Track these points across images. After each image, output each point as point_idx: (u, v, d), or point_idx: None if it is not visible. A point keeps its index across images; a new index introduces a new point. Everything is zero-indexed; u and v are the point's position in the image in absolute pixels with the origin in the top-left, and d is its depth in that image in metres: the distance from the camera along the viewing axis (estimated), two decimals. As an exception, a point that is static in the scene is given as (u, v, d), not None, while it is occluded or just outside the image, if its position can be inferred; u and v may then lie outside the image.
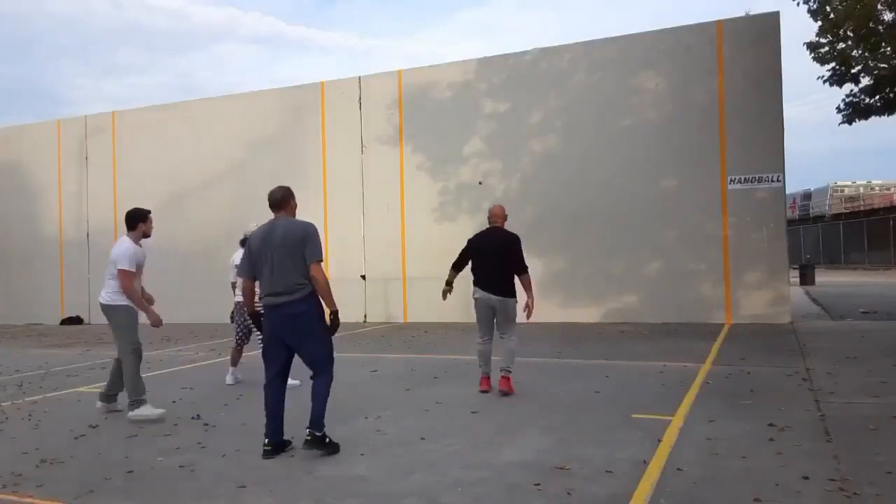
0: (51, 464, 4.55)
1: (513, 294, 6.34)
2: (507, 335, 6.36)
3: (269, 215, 4.75)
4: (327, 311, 4.65)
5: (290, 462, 4.43)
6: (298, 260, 4.50)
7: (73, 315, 16.71)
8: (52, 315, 16.92)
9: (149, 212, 6.23)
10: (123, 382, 5.90)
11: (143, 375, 6.24)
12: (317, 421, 4.55)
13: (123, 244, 5.92)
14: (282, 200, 4.71)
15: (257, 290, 4.76)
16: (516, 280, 6.39)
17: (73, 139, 17.21)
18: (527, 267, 6.43)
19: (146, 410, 5.77)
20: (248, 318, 6.44)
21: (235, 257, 7.46)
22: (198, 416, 5.80)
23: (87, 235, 16.89)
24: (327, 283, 4.59)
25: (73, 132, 17.19)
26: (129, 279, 5.82)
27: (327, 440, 4.57)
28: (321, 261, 4.56)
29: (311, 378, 4.73)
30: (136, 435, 5.26)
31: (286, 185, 4.85)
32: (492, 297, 6.28)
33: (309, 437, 4.50)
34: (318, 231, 4.68)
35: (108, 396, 6.14)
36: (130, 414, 5.77)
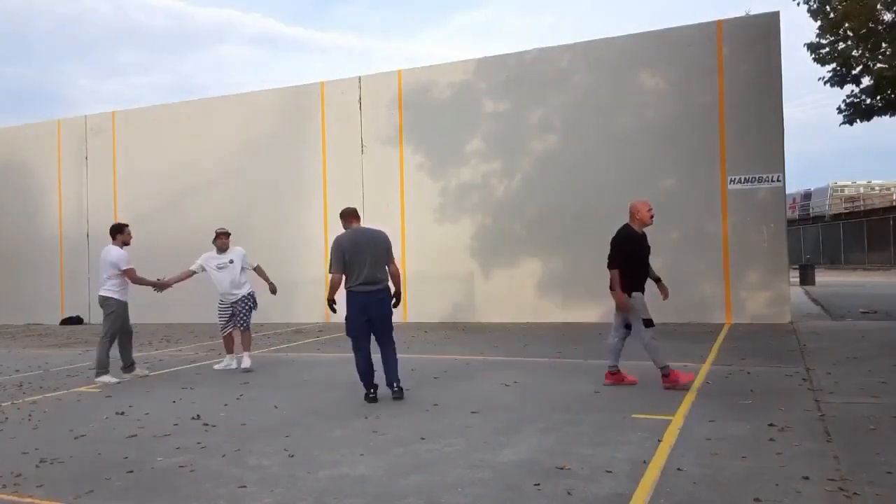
0: (51, 464, 4.55)
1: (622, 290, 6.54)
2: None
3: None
4: (393, 290, 6.37)
5: (290, 462, 4.43)
6: (382, 259, 6.23)
7: (73, 315, 16.70)
8: (52, 315, 16.92)
9: (126, 225, 8.05)
10: (129, 354, 7.97)
11: (146, 374, 8.19)
12: (398, 377, 6.30)
13: (114, 250, 7.77)
14: (356, 212, 6.49)
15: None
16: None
17: (73, 139, 17.20)
18: (616, 266, 6.62)
19: (108, 378, 7.66)
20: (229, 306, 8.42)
21: (202, 257, 8.63)
22: (198, 416, 5.80)
23: (87, 235, 16.88)
24: (399, 274, 6.46)
25: (73, 132, 17.18)
26: (133, 274, 7.75)
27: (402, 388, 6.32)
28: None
29: (382, 347, 6.34)
30: (135, 435, 5.26)
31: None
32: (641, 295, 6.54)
33: (397, 390, 6.23)
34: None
35: (127, 367, 7.96)
36: (97, 378, 7.71)
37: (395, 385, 6.26)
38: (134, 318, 8.20)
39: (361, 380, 6.28)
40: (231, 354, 8.54)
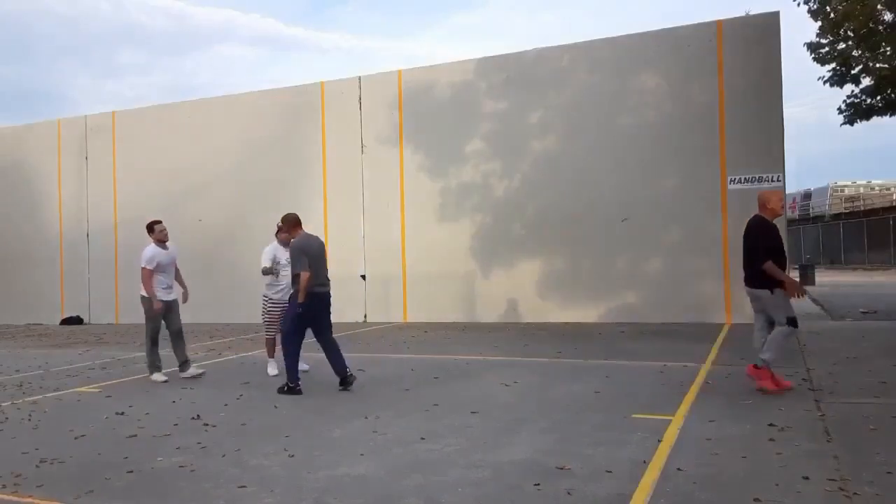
0: (51, 464, 4.55)
1: (762, 285, 6.20)
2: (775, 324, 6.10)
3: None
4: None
5: (290, 462, 4.44)
6: (325, 262, 6.93)
7: (73, 315, 16.69)
8: (52, 315, 16.91)
9: (156, 222, 7.84)
10: (180, 352, 7.82)
11: (200, 373, 7.91)
12: (346, 366, 6.78)
13: (146, 248, 7.71)
14: (300, 219, 6.97)
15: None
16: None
17: (73, 139, 17.20)
18: (765, 258, 6.27)
19: (157, 377, 7.66)
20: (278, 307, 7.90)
21: (270, 250, 7.92)
22: (198, 416, 5.80)
23: (87, 235, 16.89)
24: None
25: (73, 132, 17.18)
26: (145, 274, 7.62)
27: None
28: None
29: (329, 342, 6.76)
30: (135, 435, 5.26)
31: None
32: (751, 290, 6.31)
33: (350, 378, 6.71)
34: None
35: (181, 365, 7.85)
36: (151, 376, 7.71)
37: (348, 371, 6.76)
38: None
39: (296, 376, 6.68)
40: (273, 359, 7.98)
